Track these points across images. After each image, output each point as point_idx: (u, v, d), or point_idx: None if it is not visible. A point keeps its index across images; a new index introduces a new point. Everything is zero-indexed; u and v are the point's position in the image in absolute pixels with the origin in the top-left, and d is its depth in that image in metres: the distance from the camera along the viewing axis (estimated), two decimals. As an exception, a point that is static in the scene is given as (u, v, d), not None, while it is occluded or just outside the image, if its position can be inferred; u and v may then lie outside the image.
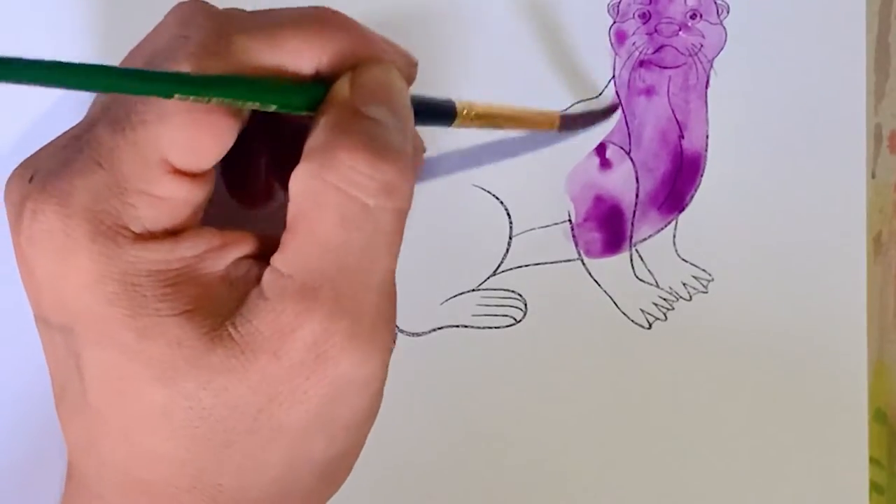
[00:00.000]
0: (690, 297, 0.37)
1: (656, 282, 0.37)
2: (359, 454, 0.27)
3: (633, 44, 0.37)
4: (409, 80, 0.28)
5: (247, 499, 0.24)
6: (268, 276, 0.23)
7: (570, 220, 0.37)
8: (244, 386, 0.22)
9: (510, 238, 0.37)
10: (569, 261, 0.37)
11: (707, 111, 0.37)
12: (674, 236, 0.37)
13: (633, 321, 0.37)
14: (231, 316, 0.23)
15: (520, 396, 0.37)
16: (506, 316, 0.37)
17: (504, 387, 0.37)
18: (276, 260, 0.23)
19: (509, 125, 0.34)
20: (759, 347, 0.37)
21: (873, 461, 0.37)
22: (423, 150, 0.32)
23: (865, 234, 0.38)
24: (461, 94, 0.37)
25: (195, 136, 0.23)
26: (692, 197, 0.38)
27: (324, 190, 0.23)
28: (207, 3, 0.26)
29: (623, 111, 0.37)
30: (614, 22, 0.37)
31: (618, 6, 0.37)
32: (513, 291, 0.37)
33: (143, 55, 0.25)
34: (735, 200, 0.38)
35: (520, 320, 0.37)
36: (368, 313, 0.23)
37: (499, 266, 0.37)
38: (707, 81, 0.37)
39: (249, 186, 0.29)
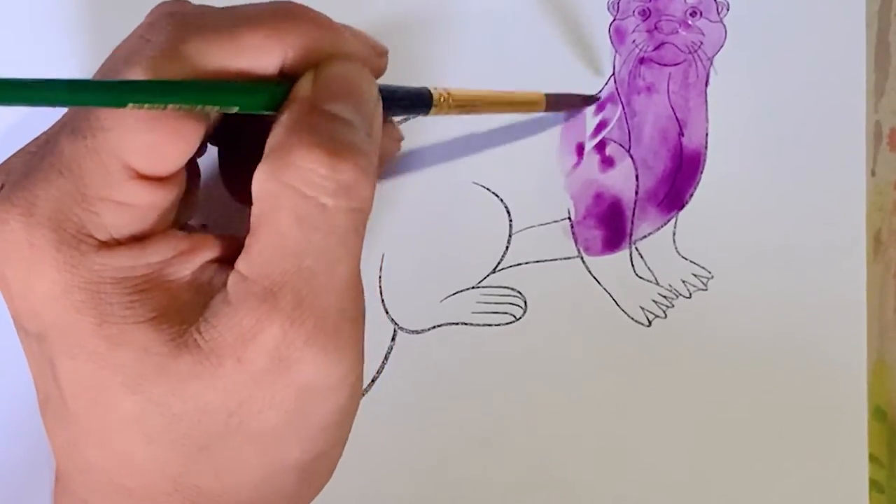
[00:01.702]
0: (690, 294, 0.37)
1: (656, 279, 0.37)
2: (340, 453, 0.27)
3: (633, 41, 0.37)
4: (379, 71, 0.27)
5: (229, 501, 0.24)
6: (231, 280, 0.23)
7: (569, 218, 0.37)
8: (212, 391, 0.22)
9: (510, 236, 0.37)
10: (568, 258, 0.37)
11: (707, 109, 0.37)
12: (674, 234, 0.37)
13: (632, 319, 0.37)
14: (196, 322, 0.22)
15: (520, 394, 0.37)
16: (506, 313, 0.37)
17: (504, 384, 0.37)
18: (240, 263, 0.23)
19: (492, 109, 0.33)
20: (758, 345, 0.37)
21: (873, 459, 0.37)
22: (400, 139, 0.31)
23: (865, 232, 0.38)
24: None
25: (156, 141, 0.22)
26: (692, 194, 0.38)
27: (280, 190, 0.22)
28: (180, 2, 0.25)
29: (623, 109, 0.37)
30: (614, 19, 0.37)
31: (618, 3, 0.37)
32: (512, 289, 0.37)
33: (109, 64, 0.24)
34: (735, 198, 0.38)
35: (519, 318, 0.37)
36: (331, 316, 0.23)
37: (499, 264, 0.37)
38: (707, 79, 0.38)
39: (248, 184, 0.29)
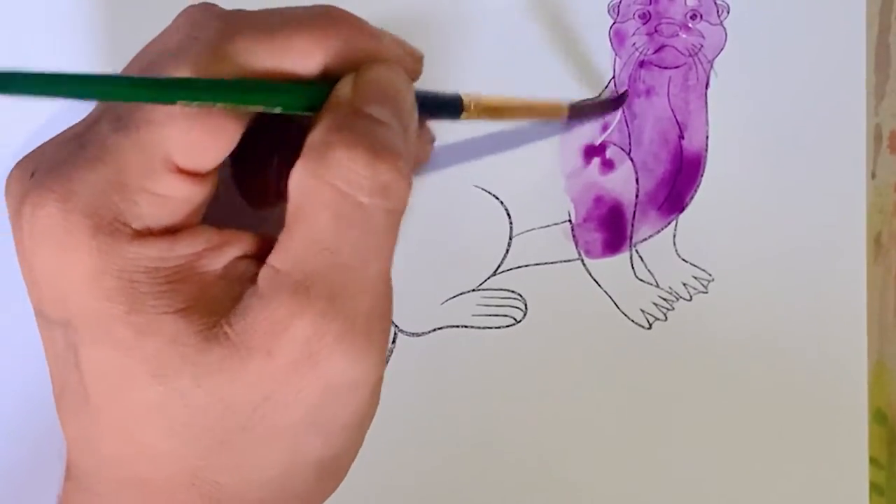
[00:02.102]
0: (691, 297, 0.37)
1: (656, 282, 0.37)
2: (356, 453, 0.27)
3: (634, 44, 0.37)
4: (415, 75, 0.28)
5: (246, 497, 0.24)
6: (263, 273, 0.23)
7: (570, 221, 0.37)
8: (238, 384, 0.22)
9: (510, 238, 0.37)
10: (569, 261, 0.37)
11: (707, 112, 0.37)
12: (674, 236, 0.37)
13: (633, 321, 0.37)
14: (227, 314, 0.23)
15: (520, 396, 0.37)
16: (506, 316, 0.37)
17: (504, 387, 0.37)
18: (272, 258, 0.23)
19: (517, 116, 0.34)
20: (759, 348, 0.37)
21: (873, 462, 0.37)
22: (433, 141, 0.32)
23: (865, 234, 0.38)
24: (455, 89, 0.37)
25: (200, 138, 0.23)
26: (692, 197, 0.38)
27: (319, 187, 0.23)
28: (215, 5, 0.26)
29: (623, 112, 0.37)
30: (614, 22, 0.37)
31: (618, 6, 0.37)
32: (513, 291, 0.37)
33: (149, 58, 0.25)
34: (735, 201, 0.38)
35: (520, 320, 0.37)
36: (362, 313, 0.23)
37: (499, 266, 0.37)
38: (707, 82, 0.38)
39: (259, 187, 0.29)
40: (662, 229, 0.37)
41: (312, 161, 0.23)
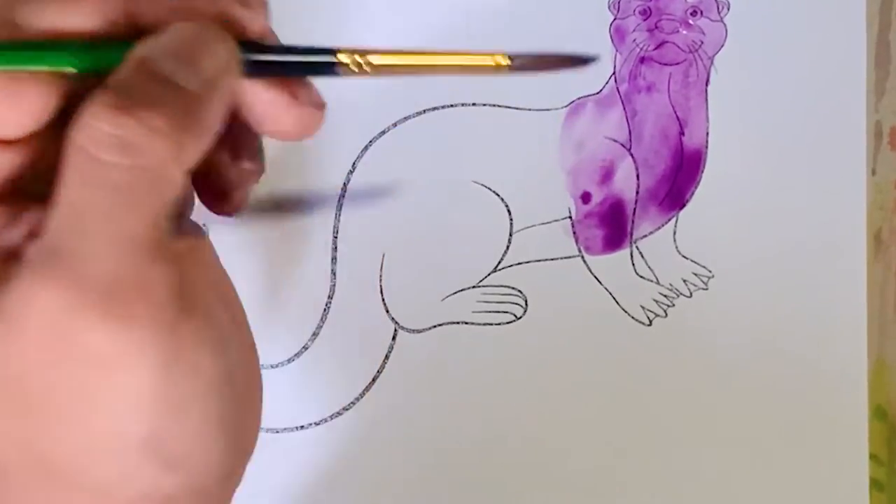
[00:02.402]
0: (691, 293, 0.37)
1: (657, 278, 0.37)
2: (205, 445, 0.23)
3: (634, 40, 0.37)
4: (256, 30, 0.25)
5: (82, 480, 0.22)
6: (30, 247, 0.22)
7: (570, 217, 0.37)
8: (8, 358, 0.21)
9: (510, 235, 0.37)
10: (569, 257, 0.37)
11: (707, 108, 0.37)
12: (674, 233, 0.37)
13: (633, 318, 0.37)
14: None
15: (520, 393, 0.37)
16: (506, 313, 0.37)
17: (504, 383, 0.37)
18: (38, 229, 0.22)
19: (433, 72, 0.26)
20: (759, 344, 0.37)
21: (873, 458, 0.37)
22: (321, 106, 0.26)
23: (865, 231, 0.38)
24: (463, 88, 0.37)
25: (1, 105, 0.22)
26: (693, 193, 0.38)
27: (70, 147, 0.21)
28: None
29: (623, 108, 0.37)
30: (615, 18, 0.37)
31: (618, 3, 0.37)
32: (513, 288, 0.37)
33: None
34: (735, 197, 0.38)
35: (520, 317, 0.37)
36: (116, 279, 0.21)
37: (499, 263, 0.37)
38: (707, 78, 0.38)
39: (219, 193, 0.27)
40: (663, 226, 0.37)
41: (78, 118, 0.22)
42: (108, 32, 0.23)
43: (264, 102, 0.25)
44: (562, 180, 0.37)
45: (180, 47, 0.23)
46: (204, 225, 0.37)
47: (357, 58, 0.25)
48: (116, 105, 0.21)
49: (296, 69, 0.25)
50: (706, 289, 0.37)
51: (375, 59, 0.25)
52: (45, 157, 0.23)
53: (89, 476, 0.22)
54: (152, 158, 0.22)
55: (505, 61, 0.26)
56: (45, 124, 0.23)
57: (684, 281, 0.37)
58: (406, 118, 0.37)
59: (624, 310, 0.37)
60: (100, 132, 0.21)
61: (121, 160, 0.21)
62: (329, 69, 0.25)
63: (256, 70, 0.24)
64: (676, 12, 0.37)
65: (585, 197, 0.37)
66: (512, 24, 0.37)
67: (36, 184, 0.23)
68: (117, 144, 0.21)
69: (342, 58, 0.25)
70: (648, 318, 0.37)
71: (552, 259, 0.37)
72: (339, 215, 0.37)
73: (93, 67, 0.23)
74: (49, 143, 0.23)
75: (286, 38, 0.26)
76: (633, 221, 0.37)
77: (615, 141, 0.37)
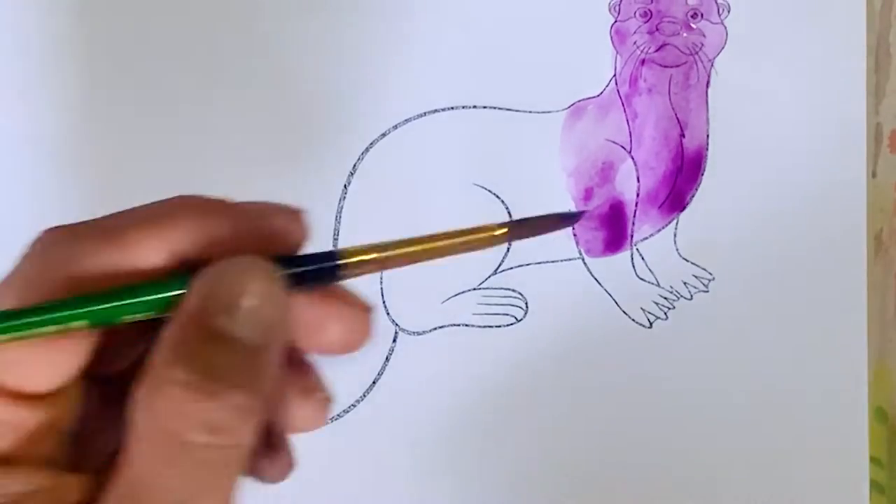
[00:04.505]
0: (691, 296, 0.37)
1: (657, 281, 0.37)
2: None
3: (635, 43, 0.37)
4: (298, 242, 0.24)
5: None
6: None
7: (571, 219, 0.37)
8: None
9: (511, 237, 0.37)
10: (570, 259, 0.37)
11: (708, 110, 0.37)
12: (675, 235, 0.37)
13: (633, 320, 0.37)
14: None
15: (521, 394, 0.37)
16: (507, 315, 0.37)
17: (505, 385, 0.37)
18: (101, 500, 0.21)
19: (433, 256, 0.25)
20: (759, 346, 0.37)
21: (874, 460, 0.37)
22: (369, 309, 0.25)
23: (866, 233, 0.38)
24: (464, 90, 0.37)
25: (33, 355, 0.21)
26: (693, 196, 0.38)
27: (147, 419, 0.21)
28: (64, 226, 0.23)
29: (624, 110, 0.37)
30: (615, 21, 0.37)
31: (619, 5, 0.37)
32: (514, 290, 0.37)
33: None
34: (736, 200, 0.38)
35: (521, 319, 0.37)
36: None
37: (500, 265, 0.37)
38: (708, 80, 0.38)
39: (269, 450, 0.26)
40: (663, 228, 0.37)
41: (146, 388, 0.21)
42: (167, 271, 0.22)
43: (310, 315, 0.23)
44: (562, 182, 0.37)
45: (235, 297, 0.21)
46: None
47: (375, 255, 0.24)
48: (197, 387, 0.20)
49: (330, 276, 0.23)
50: (706, 291, 0.37)
51: (388, 253, 0.24)
52: (71, 411, 0.22)
53: None
54: (240, 436, 0.21)
55: (500, 231, 0.25)
56: (77, 375, 0.22)
57: (685, 283, 0.37)
58: (407, 120, 0.37)
59: (624, 312, 0.37)
60: (184, 411, 0.20)
61: (212, 440, 0.21)
62: (339, 272, 0.24)
63: (297, 284, 0.23)
64: (677, 15, 0.37)
65: (586, 199, 0.37)
66: (513, 26, 0.37)
67: (51, 439, 0.22)
68: (206, 427, 0.21)
69: (360, 258, 0.24)
70: (649, 320, 0.37)
71: (553, 261, 0.37)
72: (340, 217, 0.37)
73: (144, 312, 0.21)
74: (75, 394, 0.22)
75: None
76: (633, 223, 0.37)
77: (616, 143, 0.37)
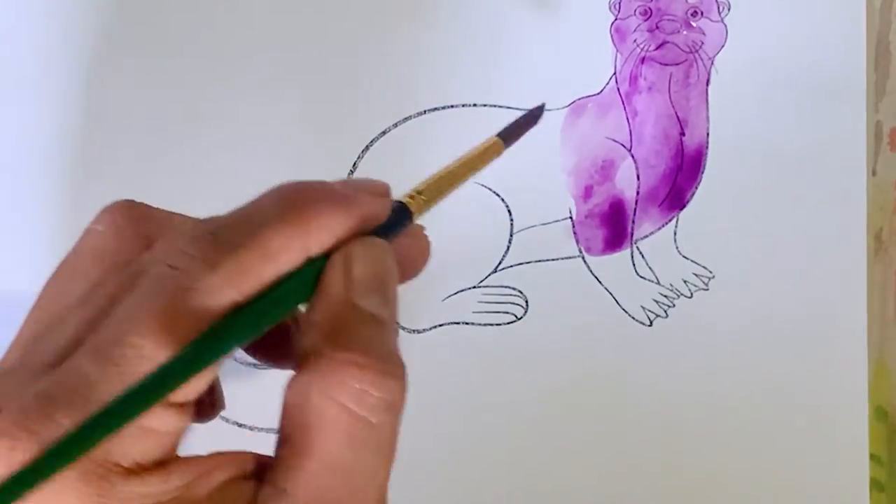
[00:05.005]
0: (691, 294, 0.37)
1: (657, 279, 0.37)
2: None
3: (635, 41, 0.37)
4: (386, 212, 0.26)
5: None
6: (265, 493, 0.22)
7: (570, 217, 0.37)
8: None
9: (511, 235, 0.37)
10: (570, 258, 0.37)
11: (708, 108, 0.37)
12: (675, 233, 0.37)
13: (634, 318, 0.37)
14: None
15: (520, 393, 0.37)
16: (507, 313, 0.37)
17: (505, 383, 0.37)
18: (279, 477, 0.22)
19: (463, 179, 0.31)
20: (759, 345, 0.37)
21: (874, 458, 0.37)
22: (428, 248, 0.29)
23: (866, 231, 0.38)
24: (464, 89, 0.37)
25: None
26: (693, 194, 0.38)
27: (328, 407, 0.22)
28: (149, 211, 0.24)
29: (624, 108, 0.37)
30: (616, 19, 0.37)
31: (619, 3, 0.37)
32: (514, 288, 0.37)
33: (85, 311, 0.22)
34: (736, 198, 0.38)
35: (521, 317, 0.37)
36: None
37: (500, 263, 0.37)
38: (708, 79, 0.38)
39: (266, 346, 0.28)
40: (663, 226, 0.37)
41: (317, 375, 0.22)
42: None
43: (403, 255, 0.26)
44: (562, 181, 0.37)
45: (379, 280, 0.23)
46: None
47: (418, 197, 0.28)
48: (376, 368, 0.22)
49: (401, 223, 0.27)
50: (707, 289, 0.37)
51: (427, 195, 0.28)
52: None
53: None
54: (403, 407, 0.23)
55: (498, 141, 0.31)
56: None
57: (685, 281, 0.37)
58: (407, 118, 0.37)
59: (624, 310, 0.37)
60: (368, 395, 0.22)
61: (389, 419, 0.22)
62: (405, 217, 0.27)
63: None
64: (677, 13, 0.37)
65: (586, 197, 0.37)
66: (512, 25, 0.37)
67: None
68: (388, 406, 0.22)
69: (409, 203, 0.27)
70: (649, 318, 0.37)
71: (553, 259, 0.37)
72: (340, 215, 0.37)
73: (284, 314, 0.22)
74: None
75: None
76: (633, 222, 0.37)
77: (616, 141, 0.37)
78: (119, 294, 0.22)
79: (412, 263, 0.28)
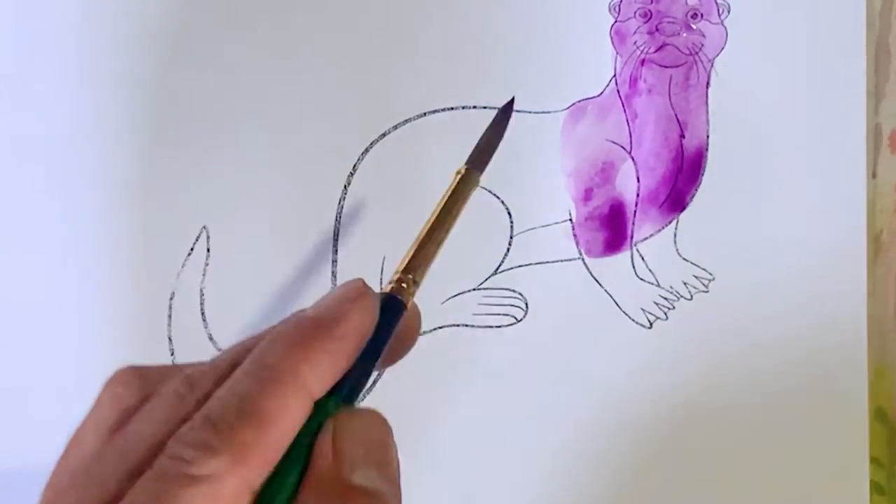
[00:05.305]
0: (691, 296, 0.37)
1: (657, 281, 0.37)
2: None
3: (635, 43, 0.37)
4: (373, 323, 0.25)
5: None
6: None
7: (570, 220, 0.37)
8: None
9: (511, 237, 0.37)
10: (570, 260, 0.37)
11: (708, 110, 0.37)
12: (675, 235, 0.37)
13: (634, 320, 0.37)
14: None
15: (521, 395, 0.37)
16: (507, 315, 0.37)
17: (505, 385, 0.37)
18: None
19: (448, 229, 0.28)
20: (759, 347, 0.37)
21: (874, 461, 0.37)
22: (418, 326, 0.28)
23: (866, 233, 0.38)
24: (464, 91, 0.37)
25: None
26: (693, 196, 0.38)
27: None
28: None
29: (624, 110, 0.37)
30: (615, 21, 0.37)
31: (619, 5, 0.37)
32: (514, 290, 0.37)
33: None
34: (736, 200, 0.38)
35: (521, 319, 0.37)
36: None
37: (500, 265, 0.37)
38: (708, 81, 0.38)
39: None
40: (663, 228, 0.37)
41: None
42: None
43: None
44: (562, 183, 0.37)
45: (369, 454, 0.23)
46: (204, 227, 0.37)
47: (406, 277, 0.26)
48: None
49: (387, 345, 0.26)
50: (707, 291, 0.37)
51: (415, 271, 0.27)
52: None
53: None
54: None
55: (464, 169, 0.28)
56: None
57: (685, 283, 0.37)
58: (406, 121, 0.37)
59: (624, 312, 0.37)
60: None
61: None
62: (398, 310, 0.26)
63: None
64: (677, 15, 0.37)
65: (586, 199, 0.37)
66: (512, 27, 0.37)
67: None
68: None
69: (399, 290, 0.26)
70: (649, 320, 0.37)
71: (553, 261, 0.37)
72: (340, 217, 0.37)
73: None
74: None
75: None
76: (633, 224, 0.37)
77: (616, 143, 0.37)
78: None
79: (401, 343, 0.26)
